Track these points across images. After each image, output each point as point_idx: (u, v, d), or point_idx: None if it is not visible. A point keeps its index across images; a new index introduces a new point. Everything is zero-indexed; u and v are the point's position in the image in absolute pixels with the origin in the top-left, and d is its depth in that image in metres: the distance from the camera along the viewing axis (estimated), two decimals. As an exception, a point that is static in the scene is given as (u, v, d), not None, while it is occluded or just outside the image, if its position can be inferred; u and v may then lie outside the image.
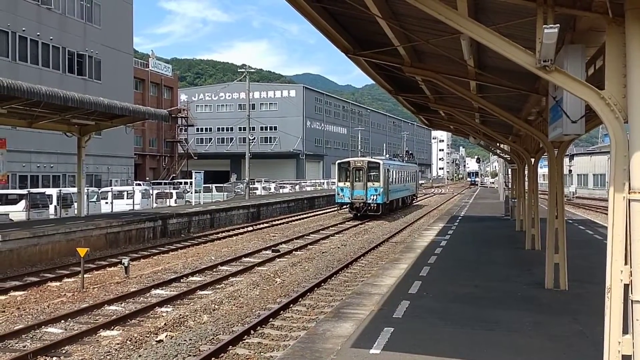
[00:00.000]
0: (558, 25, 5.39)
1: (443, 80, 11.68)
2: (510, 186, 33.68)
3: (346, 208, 38.55)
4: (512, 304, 10.96)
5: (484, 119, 18.43)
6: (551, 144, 11.88)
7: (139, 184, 46.20)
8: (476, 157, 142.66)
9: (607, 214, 5.64)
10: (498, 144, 27.92)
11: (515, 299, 11.48)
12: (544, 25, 5.47)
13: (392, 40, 9.78)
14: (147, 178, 61.66)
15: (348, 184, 36.79)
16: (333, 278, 16.79)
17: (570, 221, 27.68)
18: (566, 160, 48.13)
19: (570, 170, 67.14)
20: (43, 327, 11.45)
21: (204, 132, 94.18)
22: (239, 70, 54.20)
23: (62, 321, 11.89)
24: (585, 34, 6.92)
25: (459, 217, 31.70)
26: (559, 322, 9.60)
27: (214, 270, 18.32)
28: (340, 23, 9.87)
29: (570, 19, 6.87)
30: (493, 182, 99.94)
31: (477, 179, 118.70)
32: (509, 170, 34.86)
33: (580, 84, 5.52)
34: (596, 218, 33.94)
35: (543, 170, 46.25)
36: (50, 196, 28.10)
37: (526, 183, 22.02)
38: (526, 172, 21.65)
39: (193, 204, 37.99)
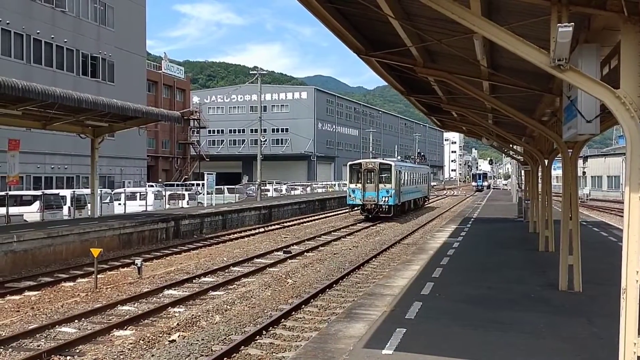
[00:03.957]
0: (572, 23, 5.36)
1: (456, 81, 11.64)
2: (523, 188, 33.48)
3: (358, 210, 38.48)
4: (525, 305, 10.87)
5: (497, 119, 18.34)
6: (565, 145, 11.80)
7: (152, 186, 46.43)
8: (489, 158, 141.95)
9: (621, 216, 5.59)
10: (511, 145, 27.77)
11: (529, 300, 11.40)
12: (558, 24, 5.45)
13: (405, 41, 9.76)
14: (160, 179, 61.97)
15: (360, 185, 36.73)
16: (345, 279, 16.77)
17: (584, 223, 27.44)
18: (580, 162, 47.81)
19: (584, 172, 66.59)
20: (57, 326, 11.53)
21: (216, 134, 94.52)
22: (250, 72, 54.25)
23: (76, 321, 11.97)
24: (600, 33, 6.87)
25: (472, 219, 31.55)
26: (573, 324, 9.52)
27: (226, 271, 18.37)
28: (352, 24, 9.88)
29: (584, 18, 6.82)
30: (506, 184, 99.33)
31: (484, 183, 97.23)
32: (522, 171, 34.65)
33: (595, 82, 5.48)
34: (610, 220, 33.62)
35: (556, 172, 45.94)
36: (64, 197, 28.30)
37: (539, 184, 21.88)
38: (539, 173, 21.51)
39: (205, 205, 38.13)
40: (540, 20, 6.59)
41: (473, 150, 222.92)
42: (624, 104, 5.23)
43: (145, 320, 12.07)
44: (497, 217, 33.64)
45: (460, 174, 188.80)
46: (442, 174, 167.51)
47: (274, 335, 10.91)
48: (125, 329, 11.40)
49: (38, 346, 10.35)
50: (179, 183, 57.67)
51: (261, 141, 50.57)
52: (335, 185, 77.15)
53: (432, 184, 77.73)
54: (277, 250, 22.92)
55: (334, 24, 9.09)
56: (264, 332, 10.99)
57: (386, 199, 36.20)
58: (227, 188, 47.74)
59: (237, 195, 47.10)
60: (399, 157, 61.79)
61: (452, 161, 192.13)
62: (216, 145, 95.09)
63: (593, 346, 8.32)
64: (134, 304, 13.66)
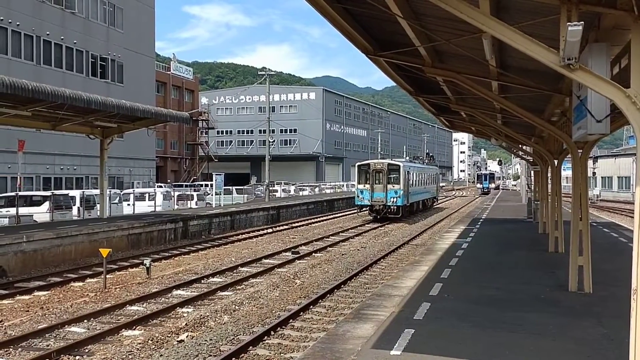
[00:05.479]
0: (582, 22, 5.32)
1: (464, 81, 11.59)
2: (532, 188, 33.32)
3: (366, 210, 38.43)
4: (535, 306, 10.81)
5: (506, 120, 18.26)
6: (575, 145, 11.72)
7: (161, 186, 46.61)
8: (498, 159, 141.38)
9: (632, 217, 5.54)
10: (520, 146, 27.65)
11: (539, 301, 11.33)
12: (568, 23, 5.41)
13: (413, 41, 9.73)
14: (169, 180, 62.21)
15: (368, 186, 36.67)
16: (353, 280, 16.75)
17: (595, 224, 27.27)
18: (590, 162, 47.51)
19: (594, 173, 66.20)
20: (66, 326, 11.58)
21: (224, 134, 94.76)
22: (259, 73, 54.41)
23: (85, 321, 12.02)
24: (610, 32, 6.82)
25: (481, 220, 31.42)
26: (583, 325, 9.45)
27: (235, 271, 18.39)
28: (360, 24, 9.87)
29: (594, 16, 6.78)
30: (515, 185, 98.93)
31: (491, 185, 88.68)
32: (532, 172, 34.48)
33: (605, 82, 5.44)
34: (621, 221, 33.39)
35: (566, 172, 45.68)
36: (73, 198, 28.45)
37: (549, 185, 21.76)
38: (549, 174, 21.39)
39: (213, 205, 38.22)
40: (550, 19, 6.55)
41: (482, 150, 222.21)
42: (635, 104, 5.18)
43: (154, 321, 12.10)
44: (506, 217, 33.50)
45: (469, 174, 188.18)
46: (450, 174, 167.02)
47: (282, 336, 10.91)
48: (134, 329, 11.43)
49: (47, 346, 10.39)
50: (188, 184, 57.85)
51: (269, 142, 50.62)
52: (343, 185, 77.13)
53: (441, 184, 77.47)
54: (286, 250, 22.93)
55: (342, 24, 9.07)
56: (272, 333, 10.99)
57: (394, 199, 36.12)
58: (236, 189, 47.87)
59: (246, 195, 47.23)
60: (407, 158, 61.66)
61: (460, 162, 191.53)
62: (225, 146, 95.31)
63: (603, 347, 8.26)
64: (143, 304, 13.70)
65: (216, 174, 42.03)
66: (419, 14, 8.77)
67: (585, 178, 12.19)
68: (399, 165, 37.36)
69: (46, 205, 26.10)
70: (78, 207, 27.87)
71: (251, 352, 9.90)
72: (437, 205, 55.11)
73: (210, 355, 9.76)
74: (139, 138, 41.98)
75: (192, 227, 27.75)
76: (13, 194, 26.83)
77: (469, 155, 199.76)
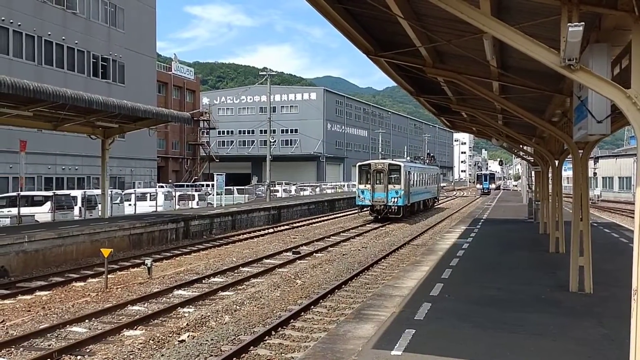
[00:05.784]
0: (583, 23, 5.34)
1: (465, 81, 11.60)
2: (533, 189, 33.32)
3: (367, 210, 38.45)
4: (535, 307, 10.81)
5: (507, 120, 18.26)
6: (576, 145, 11.73)
7: (162, 186, 46.62)
8: (499, 159, 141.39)
9: (632, 217, 5.55)
10: (521, 146, 27.63)
11: (539, 301, 11.34)
12: (569, 24, 5.42)
13: (414, 41, 9.74)
14: (170, 180, 62.21)
15: (369, 186, 36.69)
16: (354, 280, 16.76)
17: (595, 224, 27.27)
18: (591, 162, 47.49)
19: (595, 173, 66.15)
20: (68, 326, 11.60)
21: (225, 134, 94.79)
22: (260, 73, 54.47)
23: (86, 321, 12.04)
24: (611, 33, 6.83)
25: (482, 220, 31.42)
26: (583, 325, 9.46)
27: (236, 271, 18.41)
28: (361, 24, 9.87)
29: (595, 17, 6.79)
30: (516, 185, 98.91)
31: (492, 185, 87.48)
32: (532, 172, 34.48)
33: (605, 82, 5.45)
34: (622, 221, 33.38)
35: (567, 173, 45.63)
36: (75, 198, 28.49)
37: (550, 185, 21.76)
38: (550, 174, 21.39)
39: (215, 206, 38.24)
40: (551, 20, 6.56)
41: (483, 151, 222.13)
42: (635, 104, 5.19)
43: (155, 320, 12.12)
44: (507, 218, 33.49)
45: (470, 174, 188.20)
46: (451, 174, 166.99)
47: (283, 336, 10.93)
48: (135, 329, 11.45)
49: (49, 346, 10.41)
50: (189, 184, 57.90)
51: (270, 142, 50.64)
52: (344, 186, 77.14)
53: (442, 184, 77.45)
54: (286, 250, 22.95)
55: (343, 24, 9.08)
56: (273, 333, 11.01)
57: (395, 199, 36.13)
58: (237, 189, 47.91)
59: (247, 195, 47.26)
60: (408, 158, 61.66)
61: (461, 162, 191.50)
62: (226, 146, 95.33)
63: (604, 348, 8.27)
64: (144, 304, 13.72)
65: (217, 174, 42.09)
66: (419, 14, 8.78)
67: (585, 178, 12.19)
68: (400, 166, 37.36)
69: (48, 205, 26.12)
70: (79, 207, 27.90)
71: (252, 352, 9.92)
72: (438, 206, 55.10)
73: (212, 355, 9.78)
74: (140, 138, 42.04)
75: (194, 227, 27.77)
76: (15, 194, 26.87)
77: (470, 156, 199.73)
